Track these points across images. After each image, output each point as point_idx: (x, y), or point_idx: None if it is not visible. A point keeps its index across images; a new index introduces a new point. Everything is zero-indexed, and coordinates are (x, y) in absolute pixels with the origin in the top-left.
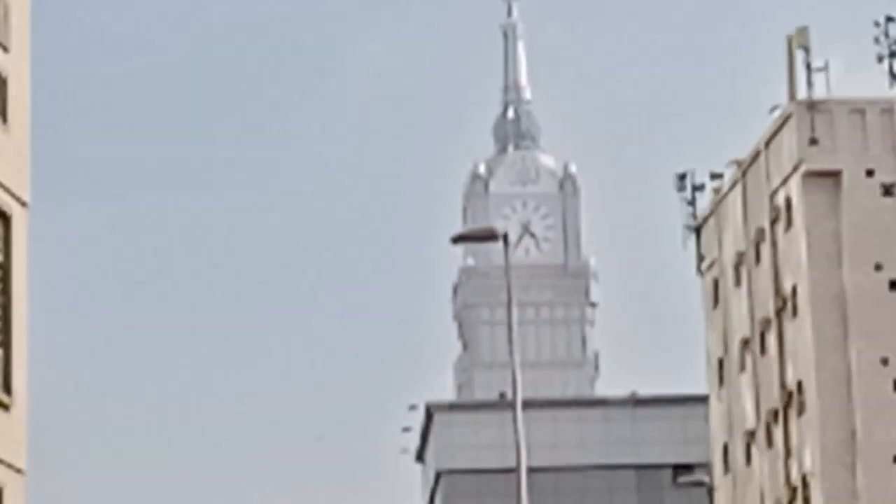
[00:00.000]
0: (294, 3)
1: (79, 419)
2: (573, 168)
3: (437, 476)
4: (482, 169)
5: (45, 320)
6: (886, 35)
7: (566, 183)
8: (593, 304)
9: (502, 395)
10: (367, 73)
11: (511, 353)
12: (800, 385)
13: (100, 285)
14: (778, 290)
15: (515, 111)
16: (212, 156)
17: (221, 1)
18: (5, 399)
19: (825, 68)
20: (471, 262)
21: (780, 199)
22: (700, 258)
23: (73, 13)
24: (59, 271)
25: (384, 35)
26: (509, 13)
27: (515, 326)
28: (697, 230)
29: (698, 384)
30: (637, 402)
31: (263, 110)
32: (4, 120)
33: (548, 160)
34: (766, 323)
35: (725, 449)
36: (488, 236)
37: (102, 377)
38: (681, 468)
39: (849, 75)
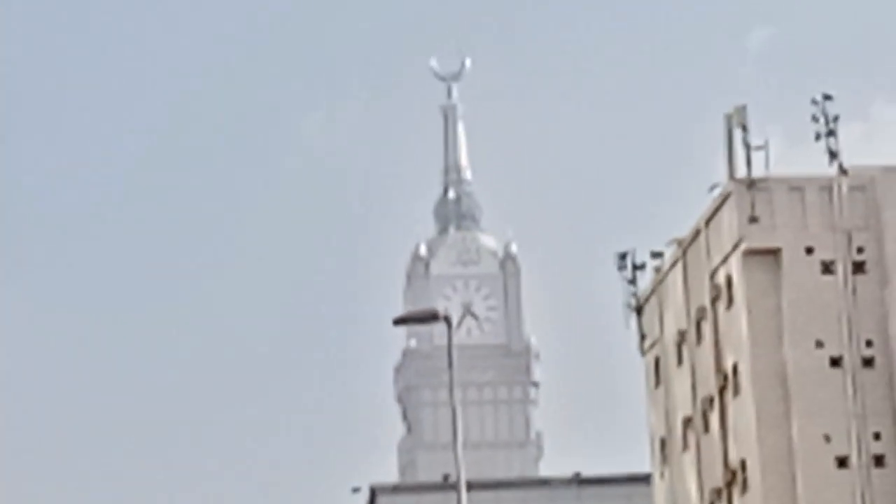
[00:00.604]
0: (224, 76)
1: None
2: (514, 248)
3: None
4: (423, 250)
5: None
6: (824, 113)
7: (507, 263)
8: (536, 384)
9: (446, 477)
10: (301, 151)
11: (454, 434)
12: (743, 463)
13: (43, 354)
14: (720, 369)
15: (456, 192)
16: (143, 238)
17: (154, 75)
18: None
19: (764, 147)
20: (413, 343)
21: (721, 278)
22: (642, 337)
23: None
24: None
25: (320, 115)
26: (449, 94)
27: (458, 407)
28: (639, 309)
29: (642, 463)
30: (581, 481)
31: (194, 192)
32: None
33: (489, 240)
34: (709, 401)
35: None
36: (430, 318)
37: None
38: None
39: (788, 152)
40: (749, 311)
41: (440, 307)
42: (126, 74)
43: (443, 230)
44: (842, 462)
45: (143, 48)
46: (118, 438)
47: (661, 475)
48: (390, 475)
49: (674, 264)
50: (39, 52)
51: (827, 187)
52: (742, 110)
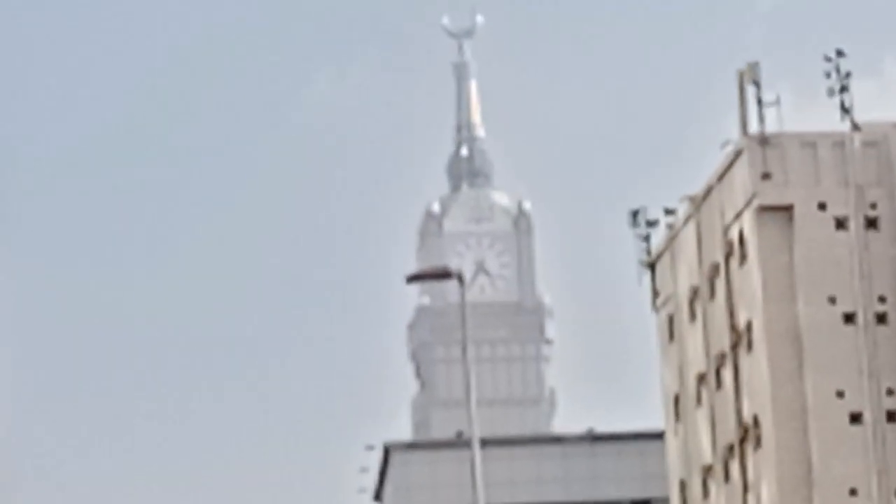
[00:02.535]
0: (234, 37)
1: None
2: (527, 206)
3: None
4: (436, 207)
5: None
6: (837, 70)
7: (520, 220)
8: (549, 342)
9: (459, 434)
10: (312, 109)
11: (467, 391)
12: (756, 419)
13: (32, 338)
14: (733, 325)
15: (469, 149)
16: (151, 200)
17: (161, 35)
18: None
19: (776, 103)
20: (426, 300)
21: (734, 234)
22: (655, 294)
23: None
24: None
25: (330, 72)
26: (461, 51)
27: (471, 365)
28: (652, 266)
29: (656, 420)
30: (594, 438)
31: (205, 151)
32: None
33: (502, 198)
34: (722, 358)
35: (683, 484)
36: (443, 275)
37: (48, 424)
38: None
39: (799, 108)
40: (762, 268)
41: (453, 264)
42: (127, 23)
43: (455, 188)
44: (855, 418)
45: (153, 6)
46: (132, 393)
47: (675, 432)
48: (404, 432)
49: (687, 221)
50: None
51: (840, 143)
52: (754, 67)
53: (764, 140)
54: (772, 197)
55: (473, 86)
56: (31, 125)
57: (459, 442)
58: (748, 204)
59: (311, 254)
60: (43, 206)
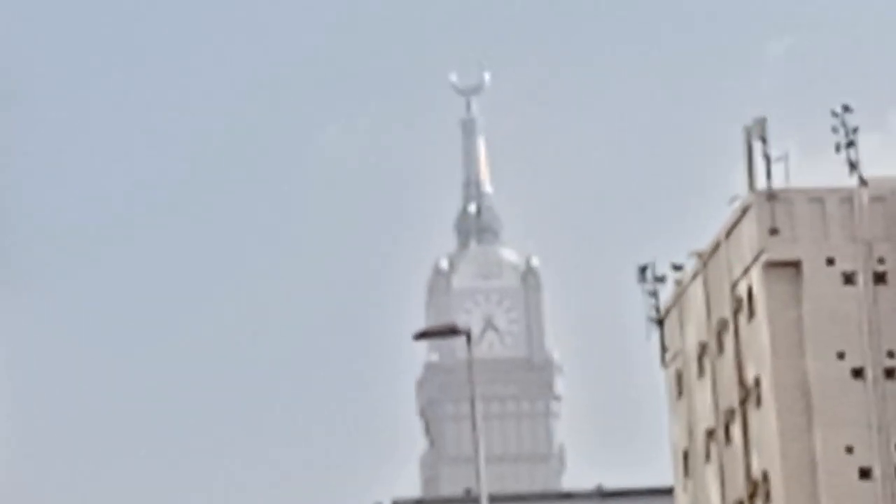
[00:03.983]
0: (245, 89)
1: None
2: (535, 262)
3: None
4: (444, 263)
5: (6, 407)
6: (844, 125)
7: (528, 277)
8: (558, 398)
9: (468, 491)
10: (320, 164)
11: (476, 447)
12: (765, 475)
13: (59, 370)
14: (741, 380)
15: (477, 205)
16: (166, 251)
17: (175, 82)
18: None
19: (784, 158)
20: (434, 357)
21: (742, 290)
22: (663, 350)
23: (32, 105)
24: (18, 357)
25: (337, 127)
26: (468, 108)
27: (480, 421)
28: (660, 322)
29: (665, 476)
30: (603, 494)
31: (217, 199)
32: None
33: (510, 254)
34: (731, 413)
35: None
36: (451, 332)
37: (66, 463)
38: None
39: (806, 163)
40: (770, 323)
41: (462, 321)
42: (148, 89)
43: (463, 244)
44: (864, 473)
45: (165, 63)
46: (143, 452)
47: (684, 487)
48: (413, 489)
49: (695, 276)
50: (66, 62)
51: (847, 198)
52: (762, 122)
53: (772, 195)
54: (780, 252)
55: (481, 142)
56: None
57: (468, 498)
58: (756, 259)
59: (320, 311)
60: (64, 265)
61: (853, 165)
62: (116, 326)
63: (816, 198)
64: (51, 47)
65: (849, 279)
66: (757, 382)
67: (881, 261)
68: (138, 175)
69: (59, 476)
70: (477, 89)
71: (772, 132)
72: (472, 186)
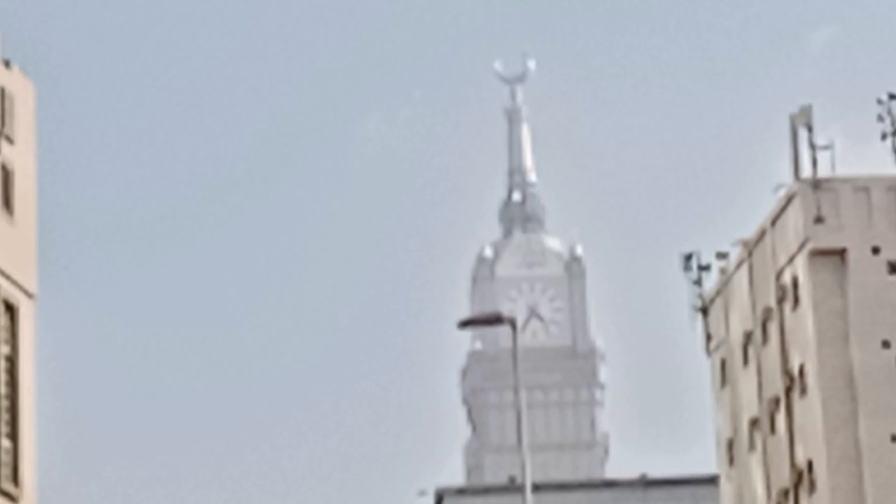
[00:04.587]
0: (290, 80)
1: None
2: (579, 250)
3: None
4: (489, 252)
5: (54, 411)
6: (889, 113)
7: (572, 265)
8: (602, 386)
9: (512, 479)
10: (363, 153)
11: (520, 436)
12: (810, 464)
13: (107, 375)
14: (786, 369)
15: (521, 194)
16: (212, 243)
17: (217, 75)
18: (13, 491)
19: (829, 146)
20: (478, 346)
21: (787, 278)
22: (708, 338)
23: (77, 105)
24: (66, 362)
25: (380, 114)
26: (513, 97)
27: (524, 410)
28: (704, 310)
29: (708, 464)
30: (647, 483)
31: (261, 190)
32: (11, 212)
33: (554, 242)
34: (775, 402)
35: None
36: (495, 320)
37: (112, 467)
38: None
39: (852, 151)
40: (815, 312)
41: (505, 309)
42: (186, 81)
43: (508, 232)
44: None
45: (205, 55)
46: (186, 439)
47: (728, 476)
48: (456, 477)
49: (739, 265)
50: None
51: (893, 187)
52: (807, 111)
53: (817, 184)
54: (825, 241)
55: (525, 130)
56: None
57: (512, 487)
58: (801, 248)
59: (365, 299)
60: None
61: None
62: (159, 313)
63: (862, 186)
64: (95, 38)
65: (894, 268)
66: (801, 371)
67: None
68: (181, 170)
69: (102, 470)
70: (521, 78)
71: (817, 121)
72: (516, 175)
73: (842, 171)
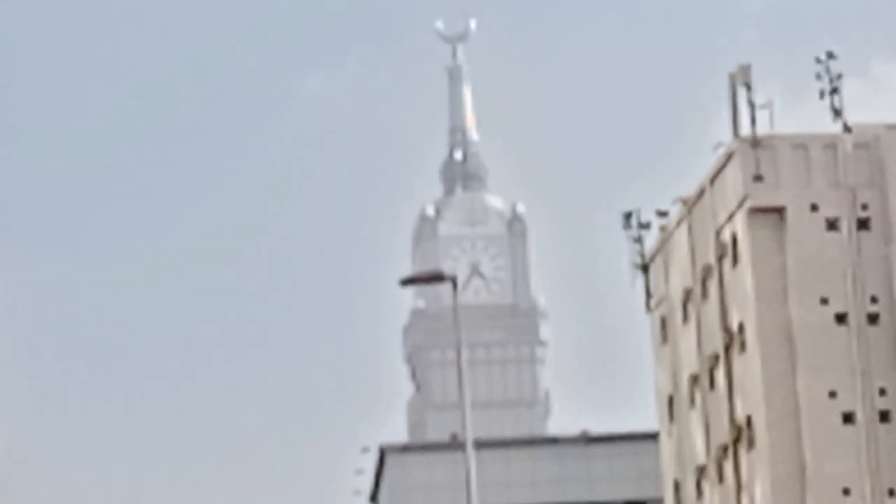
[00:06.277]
0: (229, 35)
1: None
2: (521, 208)
3: None
4: (430, 210)
5: None
6: (828, 71)
7: (514, 223)
8: (543, 344)
9: (454, 436)
10: (303, 111)
11: (462, 393)
12: (749, 420)
13: (54, 340)
14: (725, 326)
15: (463, 152)
16: (154, 199)
17: (158, 36)
18: None
19: (768, 105)
20: (421, 304)
21: (726, 236)
22: (648, 295)
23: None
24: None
25: (321, 73)
26: (454, 55)
27: (466, 367)
28: (645, 268)
29: (650, 421)
30: (589, 440)
31: (198, 146)
32: None
33: (496, 201)
34: (715, 358)
35: (677, 485)
36: (437, 278)
37: (55, 431)
38: None
39: (790, 109)
40: (754, 269)
41: (448, 268)
42: (123, 28)
43: (449, 191)
44: (847, 418)
45: (152, 6)
46: (128, 397)
47: (669, 433)
48: (399, 435)
49: (679, 223)
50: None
51: (831, 145)
52: (746, 69)
53: (756, 142)
54: (764, 199)
55: (467, 89)
56: (29, 115)
57: (454, 444)
58: (740, 206)
59: (305, 257)
60: (42, 210)
61: (837, 112)
62: (102, 259)
63: (800, 144)
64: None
65: (832, 225)
66: (741, 328)
67: (864, 207)
68: (114, 110)
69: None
70: (463, 36)
71: (756, 79)
72: (458, 133)
73: (780, 129)
